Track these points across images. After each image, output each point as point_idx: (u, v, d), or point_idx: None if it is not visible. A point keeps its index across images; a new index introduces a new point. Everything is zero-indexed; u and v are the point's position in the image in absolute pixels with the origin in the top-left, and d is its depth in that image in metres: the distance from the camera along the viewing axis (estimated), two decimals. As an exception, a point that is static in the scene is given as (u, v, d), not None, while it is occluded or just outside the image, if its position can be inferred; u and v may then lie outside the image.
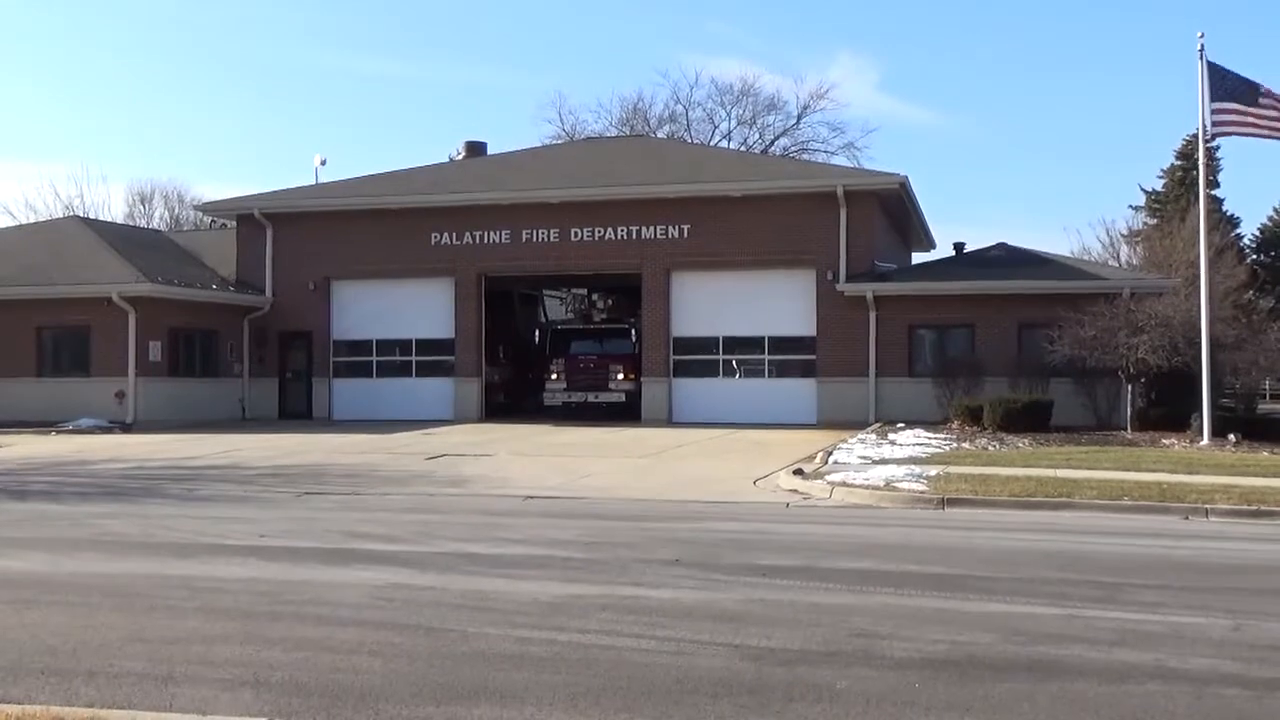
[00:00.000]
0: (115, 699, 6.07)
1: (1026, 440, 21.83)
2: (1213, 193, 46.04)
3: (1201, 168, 23.54)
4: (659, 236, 29.72)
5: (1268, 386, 35.86)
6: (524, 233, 30.46)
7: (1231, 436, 21.23)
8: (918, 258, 37.98)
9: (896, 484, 15.30)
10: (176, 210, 60.29)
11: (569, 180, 31.69)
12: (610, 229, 30.00)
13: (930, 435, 22.77)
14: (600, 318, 34.73)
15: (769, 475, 17.13)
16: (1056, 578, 9.39)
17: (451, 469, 18.48)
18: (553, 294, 38.59)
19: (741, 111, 58.70)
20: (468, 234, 30.78)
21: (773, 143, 57.79)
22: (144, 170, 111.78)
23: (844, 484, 15.47)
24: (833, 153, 56.34)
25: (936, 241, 38.78)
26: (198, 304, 30.22)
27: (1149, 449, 20.45)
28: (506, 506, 14.16)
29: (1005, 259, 29.90)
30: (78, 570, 9.72)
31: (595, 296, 36.14)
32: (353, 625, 7.63)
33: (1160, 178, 55.13)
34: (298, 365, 32.04)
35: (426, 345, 31.67)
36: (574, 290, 37.66)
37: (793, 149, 56.90)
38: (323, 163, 44.59)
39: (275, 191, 34.52)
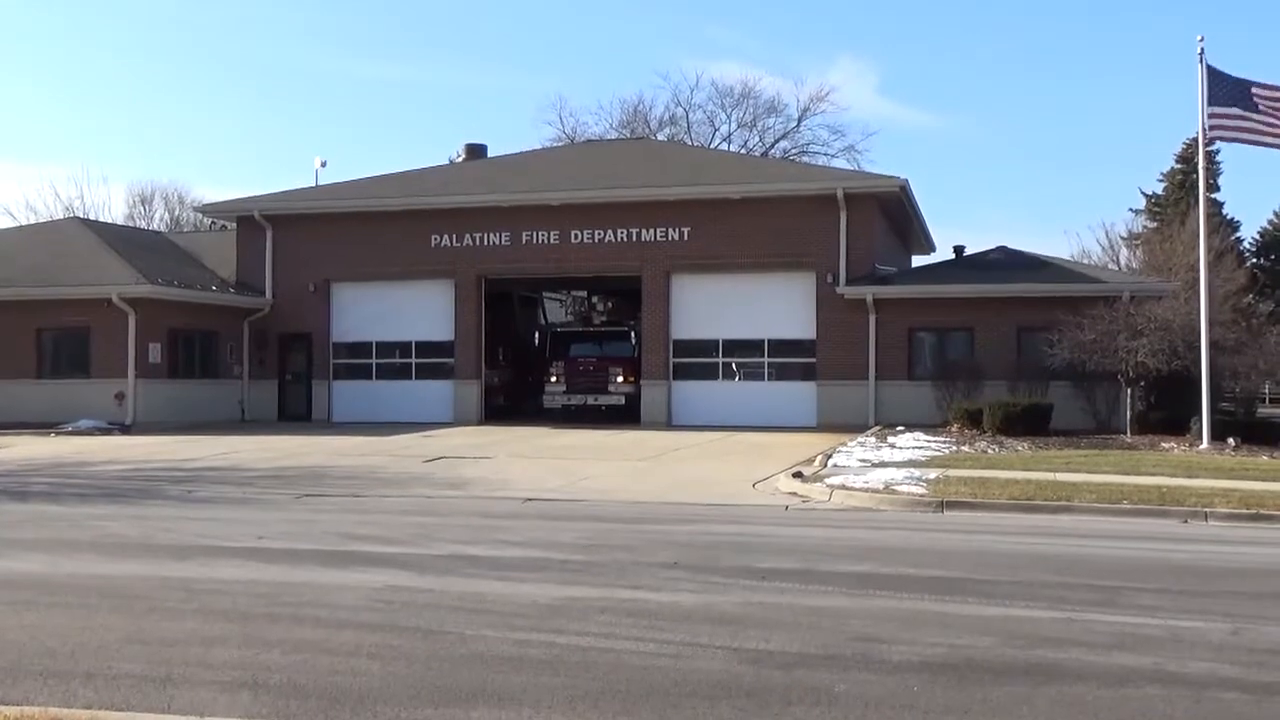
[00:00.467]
0: (113, 701, 6.07)
1: (1026, 443, 21.82)
2: (1213, 196, 46.07)
3: (1201, 171, 23.54)
4: (659, 239, 29.73)
5: (1267, 390, 35.87)
6: (524, 235, 30.47)
7: (1231, 440, 21.21)
8: (918, 261, 37.97)
9: (896, 487, 15.30)
10: (177, 212, 60.37)
11: (569, 182, 31.69)
12: (610, 231, 30.01)
13: (929, 438, 22.77)
14: (600, 320, 34.74)
15: (768, 478, 17.12)
16: (1055, 581, 9.39)
17: (451, 471, 18.48)
18: (553, 296, 38.58)
19: (742, 114, 58.81)
20: (468, 236, 30.79)
21: (773, 145, 57.87)
22: (144, 171, 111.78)
23: (843, 487, 15.47)
24: (833, 155, 56.44)
25: (936, 245, 38.82)
26: (198, 305, 30.22)
27: (1148, 452, 20.45)
28: (505, 509, 14.16)
29: (1005, 262, 29.90)
30: (76, 571, 9.72)
31: (595, 299, 36.14)
32: (351, 627, 7.63)
33: (1160, 181, 55.20)
34: (297, 367, 32.03)
35: (426, 347, 31.67)
36: (574, 292, 37.66)
37: (793, 152, 56.95)
38: (323, 164, 44.67)
39: (275, 193, 34.53)
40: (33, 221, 50.01)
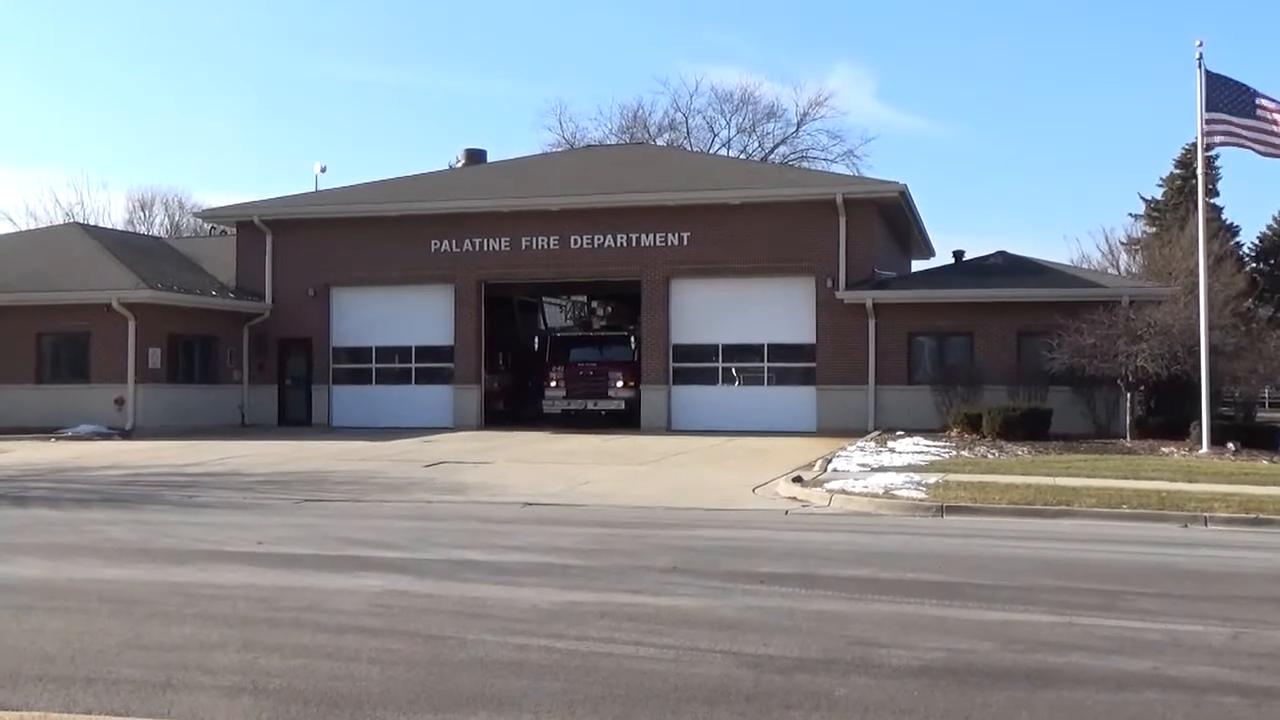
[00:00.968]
0: (113, 706, 6.07)
1: (1025, 448, 21.84)
2: (1212, 201, 46.14)
3: (1200, 176, 23.56)
4: (658, 244, 29.75)
5: (1267, 395, 35.89)
6: (524, 240, 30.49)
7: (1230, 445, 21.22)
8: (917, 266, 38.01)
9: (895, 492, 15.30)
10: (177, 217, 60.37)
11: (568, 188, 31.73)
12: (610, 236, 30.03)
13: (929, 443, 22.77)
14: (600, 325, 34.73)
15: (768, 483, 17.12)
16: (1055, 586, 9.38)
17: (450, 476, 18.47)
18: (552, 301, 38.61)
19: (741, 119, 58.85)
20: (467, 241, 30.81)
21: (772, 150, 57.88)
22: (144, 177, 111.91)
23: (843, 491, 15.47)
24: (832, 161, 56.45)
25: (936, 249, 38.85)
26: (197, 310, 30.24)
27: (1148, 457, 20.45)
28: (505, 514, 14.15)
29: (1004, 267, 29.93)
30: (76, 576, 9.71)
31: (595, 304, 36.13)
32: (351, 632, 7.62)
33: (1159, 186, 55.24)
34: (297, 372, 32.04)
35: (426, 352, 31.68)
36: (573, 297, 37.68)
37: (792, 157, 56.98)
38: (323, 170, 44.48)
39: (275, 198, 34.58)
40: (33, 227, 50.11)
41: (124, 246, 33.18)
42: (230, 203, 35.50)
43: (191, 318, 30.09)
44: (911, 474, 17.18)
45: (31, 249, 32.68)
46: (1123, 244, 52.02)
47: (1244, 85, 20.74)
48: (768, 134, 58.84)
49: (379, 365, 32.01)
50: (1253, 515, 13.41)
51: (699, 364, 29.93)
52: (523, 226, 30.47)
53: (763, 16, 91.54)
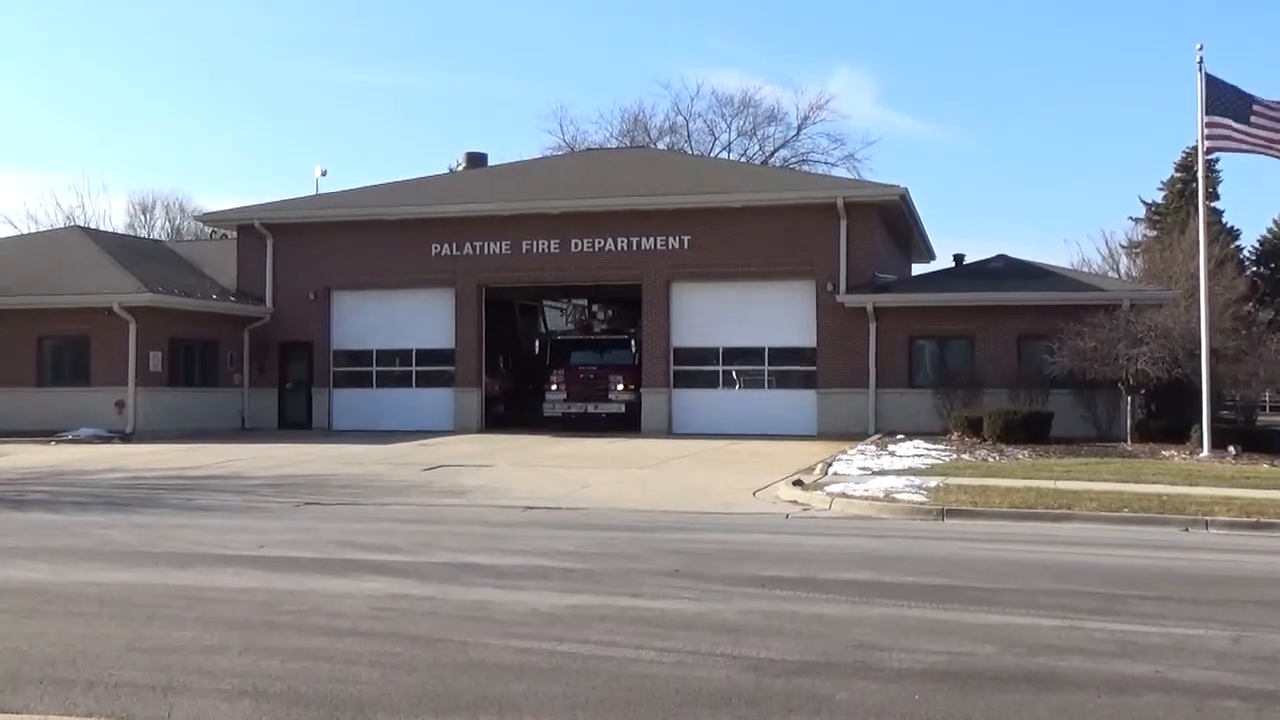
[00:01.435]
0: (114, 709, 6.06)
1: (1026, 451, 21.83)
2: (1212, 205, 46.15)
3: (1201, 180, 23.57)
4: (659, 247, 29.76)
5: (1267, 398, 35.88)
6: (524, 243, 30.50)
7: (1231, 448, 21.21)
8: (918, 269, 38.02)
9: (896, 495, 15.30)
10: (177, 220, 60.35)
11: (569, 191, 31.75)
12: (610, 240, 30.05)
13: (930, 446, 22.77)
14: (600, 328, 34.77)
15: (768, 486, 17.12)
16: (1056, 589, 9.38)
17: (451, 479, 18.47)
18: (553, 304, 38.63)
19: (742, 123, 58.84)
20: (468, 244, 30.82)
21: (773, 154, 57.88)
22: (145, 180, 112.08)
23: (843, 495, 15.46)
24: (833, 164, 56.46)
25: (936, 253, 38.88)
26: (198, 314, 30.25)
27: (1149, 461, 20.45)
28: (506, 517, 14.15)
29: (1005, 270, 29.94)
30: (77, 580, 9.71)
31: (595, 307, 36.18)
32: (351, 635, 7.62)
33: (1160, 190, 55.22)
34: (298, 375, 32.05)
35: (427, 355, 31.68)
36: (574, 301, 37.71)
37: (793, 160, 56.99)
38: (323, 173, 44.59)
39: (276, 202, 34.60)
40: (33, 230, 50.08)
41: (124, 250, 33.20)
42: (231, 206, 35.54)
43: (192, 321, 30.10)
44: (912, 477, 17.17)
45: (32, 252, 32.71)
46: (1123, 247, 52.04)
47: (1242, 91, 20.76)
48: (768, 137, 58.91)
49: (379, 369, 32.01)
50: (1254, 519, 13.40)
51: (700, 367, 29.93)
52: (523, 230, 30.48)
53: (763, 20, 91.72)
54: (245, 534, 12.42)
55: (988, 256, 31.74)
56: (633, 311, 31.76)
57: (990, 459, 20.75)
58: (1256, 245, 56.01)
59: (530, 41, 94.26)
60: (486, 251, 30.77)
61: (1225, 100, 20.68)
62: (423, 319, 31.47)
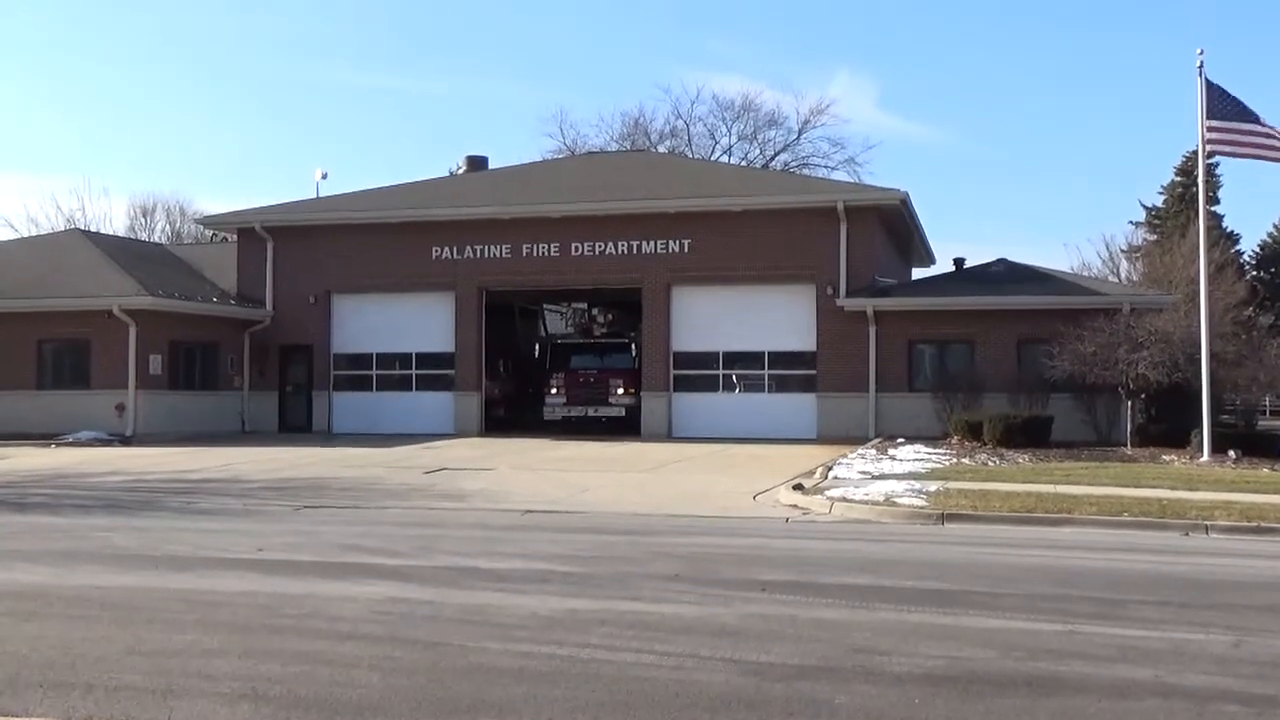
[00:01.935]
0: (113, 712, 6.06)
1: (1026, 456, 21.82)
2: (1213, 209, 46.17)
3: (1201, 184, 23.56)
4: (659, 251, 29.77)
5: (1267, 403, 35.86)
6: (524, 247, 30.51)
7: (1231, 453, 21.22)
8: (918, 273, 38.03)
9: (896, 499, 15.29)
10: (178, 224, 60.37)
11: (570, 194, 31.76)
12: (611, 243, 30.06)
13: (930, 450, 22.77)
14: (600, 332, 34.78)
15: (769, 490, 17.12)
16: (1056, 593, 9.38)
17: (451, 483, 18.46)
18: (553, 308, 38.62)
19: (742, 127, 58.86)
20: (468, 248, 30.83)
21: (773, 158, 57.90)
22: (145, 184, 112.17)
23: (844, 499, 15.46)
24: (833, 168, 56.48)
25: (937, 257, 38.87)
26: (198, 317, 30.25)
27: (1149, 465, 20.45)
28: (506, 521, 14.14)
29: (1005, 274, 29.94)
30: (76, 583, 9.71)
31: (595, 311, 36.19)
32: (352, 639, 7.62)
33: (1160, 194, 55.27)
34: (298, 378, 32.05)
35: (427, 359, 31.67)
36: (574, 304, 37.70)
37: (793, 164, 57.02)
38: (324, 176, 44.54)
39: (276, 205, 34.60)
40: (34, 233, 50.10)
41: (125, 253, 33.22)
42: (231, 209, 35.53)
43: (192, 324, 30.10)
44: (912, 481, 17.17)
45: (33, 255, 32.71)
46: (1123, 251, 52.03)
47: (1242, 103, 20.79)
48: (769, 141, 58.93)
49: (380, 372, 32.01)
50: (1254, 523, 13.40)
51: (700, 371, 29.93)
52: (524, 233, 30.49)
53: (764, 24, 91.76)
54: (245, 537, 12.42)
55: (988, 260, 31.74)
56: (633, 315, 31.76)
57: (990, 463, 20.74)
58: (1256, 250, 56.08)
59: (531, 45, 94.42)
60: (487, 255, 30.78)
61: (1225, 105, 20.70)
62: (423, 322, 31.48)
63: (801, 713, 6.06)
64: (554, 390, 31.08)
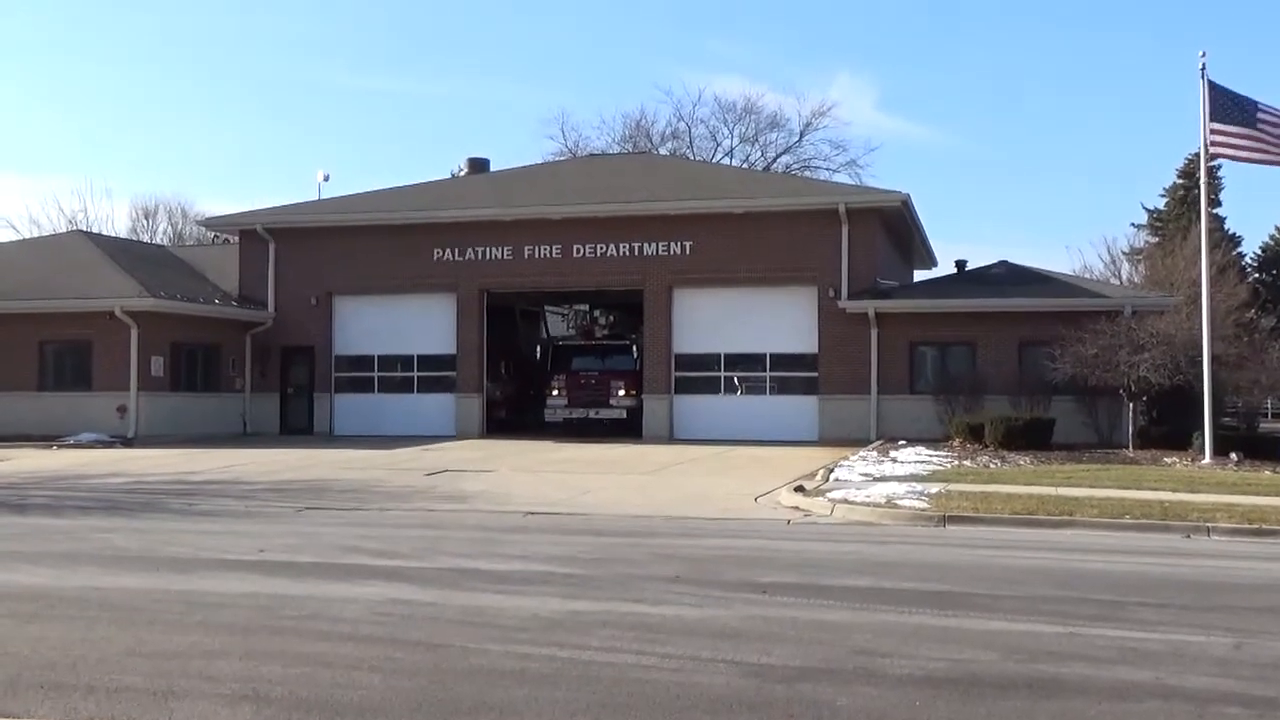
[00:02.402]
0: (114, 714, 6.07)
1: (1028, 458, 21.81)
2: (1214, 211, 46.11)
3: (1203, 187, 23.54)
4: (661, 253, 29.77)
5: (1269, 405, 35.86)
6: (526, 249, 30.52)
7: (1233, 455, 21.21)
8: (919, 275, 38.00)
9: (898, 501, 15.29)
10: (180, 225, 60.44)
11: (571, 196, 31.76)
12: (612, 245, 30.06)
13: (931, 453, 22.76)
14: (602, 334, 34.78)
15: (770, 492, 17.11)
16: (1057, 596, 9.38)
17: (452, 485, 18.47)
18: (555, 310, 38.64)
19: (744, 129, 58.88)
20: (470, 250, 30.85)
21: (775, 160, 57.90)
22: (147, 185, 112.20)
23: (845, 501, 15.46)
24: (835, 170, 56.50)
25: (938, 259, 38.84)
26: (200, 319, 30.27)
27: (1150, 467, 20.43)
28: (507, 523, 14.14)
29: (1007, 277, 29.93)
30: (78, 584, 9.71)
31: (597, 312, 36.20)
32: (353, 641, 7.62)
33: (1162, 196, 55.25)
34: (299, 380, 32.06)
35: (428, 361, 31.68)
36: (576, 306, 37.72)
37: (795, 166, 57.03)
38: (326, 178, 44.58)
39: (278, 207, 34.62)
40: (36, 235, 50.15)
41: (127, 254, 33.24)
42: (233, 211, 35.59)
43: (194, 326, 30.11)
44: (914, 483, 17.17)
45: (34, 257, 32.74)
46: (1125, 254, 52.00)
47: (1248, 99, 20.76)
48: (770, 143, 58.94)
49: (381, 374, 32.03)
50: (1255, 526, 13.39)
51: (701, 373, 29.93)
52: (525, 235, 30.51)
53: (765, 27, 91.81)
54: (247, 539, 12.42)
55: (989, 262, 31.75)
56: (634, 317, 31.76)
57: (992, 465, 20.73)
58: (1258, 252, 56.04)
59: (532, 47, 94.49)
60: (488, 256, 30.79)
61: (1228, 107, 20.68)
62: (424, 324, 31.49)
63: (803, 715, 6.06)
64: (555, 392, 31.09)
